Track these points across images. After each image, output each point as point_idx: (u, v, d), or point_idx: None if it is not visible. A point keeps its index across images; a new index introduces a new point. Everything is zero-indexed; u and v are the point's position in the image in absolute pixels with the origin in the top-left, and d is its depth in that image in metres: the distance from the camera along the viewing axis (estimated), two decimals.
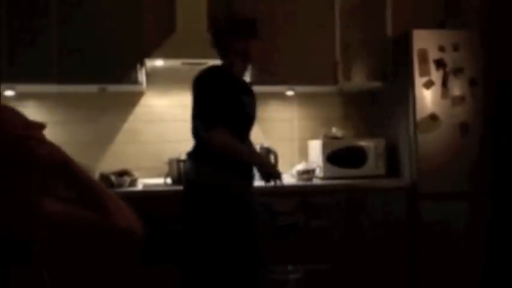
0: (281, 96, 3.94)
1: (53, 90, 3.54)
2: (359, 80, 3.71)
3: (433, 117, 3.45)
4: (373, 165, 3.58)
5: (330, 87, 3.74)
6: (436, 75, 3.45)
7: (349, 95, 4.00)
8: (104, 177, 3.23)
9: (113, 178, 3.22)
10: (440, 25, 3.71)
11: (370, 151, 3.58)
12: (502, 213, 3.53)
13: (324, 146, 3.56)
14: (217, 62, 3.42)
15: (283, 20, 3.56)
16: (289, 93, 3.89)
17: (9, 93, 3.53)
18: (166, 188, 3.23)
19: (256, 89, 3.52)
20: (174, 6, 3.46)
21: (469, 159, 3.47)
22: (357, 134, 3.95)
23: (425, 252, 3.41)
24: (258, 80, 3.48)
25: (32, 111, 3.65)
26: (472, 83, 3.48)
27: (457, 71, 3.46)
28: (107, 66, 3.32)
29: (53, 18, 3.29)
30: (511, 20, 3.55)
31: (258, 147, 3.59)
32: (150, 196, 3.11)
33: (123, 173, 3.32)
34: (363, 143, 3.61)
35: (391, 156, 3.64)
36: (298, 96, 3.96)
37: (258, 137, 3.78)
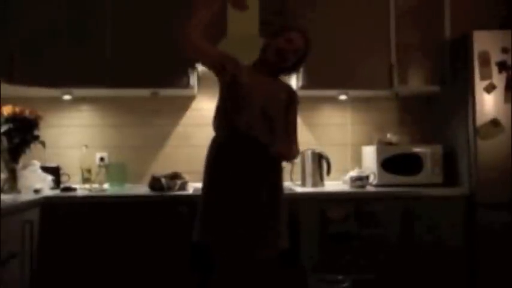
0: (334, 101, 3.94)
1: (107, 94, 3.69)
2: (415, 83, 3.66)
3: (494, 123, 3.35)
4: (430, 172, 3.51)
5: (384, 91, 3.70)
6: (498, 79, 3.35)
7: (405, 99, 3.95)
8: (155, 180, 3.34)
9: (163, 181, 3.32)
10: (503, 25, 3.61)
11: (426, 158, 3.52)
12: None
13: (378, 152, 3.52)
14: None
15: (337, 22, 3.55)
16: (342, 97, 3.88)
17: (66, 97, 3.72)
18: None
19: (309, 93, 3.58)
20: (226, 10, 3.52)
21: None
22: (413, 140, 3.88)
23: (485, 266, 3.31)
24: (310, 83, 3.51)
25: (86, 115, 3.84)
26: None
27: None
28: (159, 71, 3.44)
29: (106, 23, 3.44)
30: None
31: (309, 153, 3.62)
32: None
33: (174, 176, 3.41)
34: (419, 149, 3.55)
35: (449, 164, 3.55)
36: (352, 100, 3.95)
37: (310, 142, 3.81)
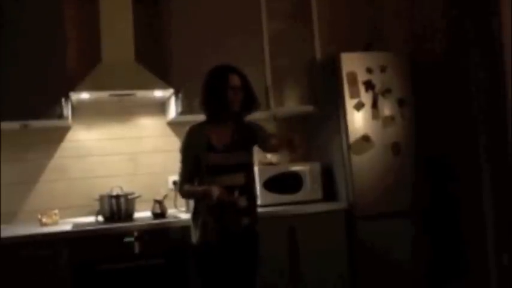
0: None
1: None
2: (291, 104, 3.83)
3: (365, 139, 3.59)
4: (310, 189, 3.67)
5: (262, 113, 3.80)
6: (365, 97, 3.61)
7: (282, 120, 4.11)
8: None
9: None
10: (366, 48, 3.90)
11: (305, 176, 3.67)
12: (442, 230, 3.70)
13: (260, 173, 3.61)
14: (145, 92, 3.47)
15: (212, 47, 3.61)
16: None
17: None
18: (99, 227, 3.18)
19: (188, 118, 3.57)
20: (99, 36, 3.46)
21: (404, 178, 3.63)
22: (293, 159, 4.03)
23: (366, 275, 3.52)
24: (189, 109, 3.50)
25: None
26: (401, 103, 3.66)
27: (386, 92, 3.63)
28: (29, 102, 3.27)
29: None
30: (434, 41, 3.78)
31: None
32: (81, 236, 3.06)
33: None
34: (298, 167, 3.70)
35: (327, 180, 3.75)
36: None
37: None
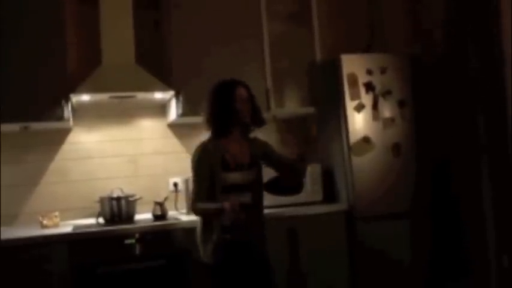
0: None
1: None
2: (292, 106, 3.83)
3: (366, 140, 3.59)
4: (310, 191, 3.67)
5: (263, 115, 3.82)
6: (366, 99, 3.62)
7: (283, 122, 4.12)
8: None
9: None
10: (366, 50, 3.90)
11: (306, 177, 3.65)
12: (442, 231, 3.69)
13: None
14: (145, 94, 3.47)
15: (213, 50, 3.61)
16: None
17: None
18: (99, 229, 3.18)
19: (188, 120, 3.59)
20: (99, 38, 3.46)
21: (405, 180, 3.64)
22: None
23: (367, 276, 3.52)
24: (189, 111, 3.51)
25: None
26: (401, 104, 3.66)
27: (386, 93, 3.64)
28: (29, 103, 3.27)
29: None
30: (434, 43, 3.79)
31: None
32: (81, 238, 3.06)
33: None
34: None
35: (328, 181, 3.75)
36: None
37: None
